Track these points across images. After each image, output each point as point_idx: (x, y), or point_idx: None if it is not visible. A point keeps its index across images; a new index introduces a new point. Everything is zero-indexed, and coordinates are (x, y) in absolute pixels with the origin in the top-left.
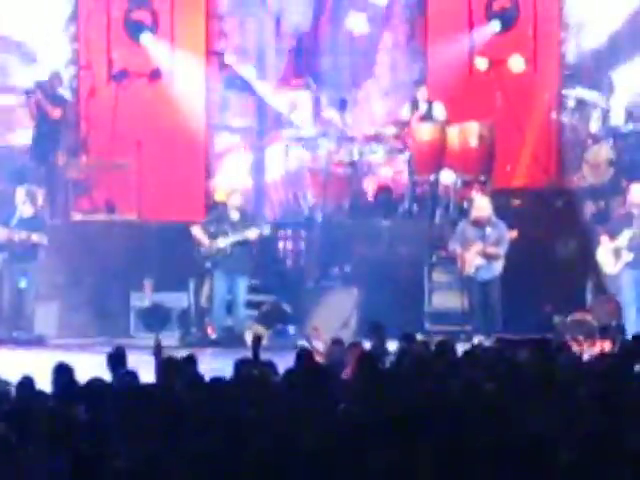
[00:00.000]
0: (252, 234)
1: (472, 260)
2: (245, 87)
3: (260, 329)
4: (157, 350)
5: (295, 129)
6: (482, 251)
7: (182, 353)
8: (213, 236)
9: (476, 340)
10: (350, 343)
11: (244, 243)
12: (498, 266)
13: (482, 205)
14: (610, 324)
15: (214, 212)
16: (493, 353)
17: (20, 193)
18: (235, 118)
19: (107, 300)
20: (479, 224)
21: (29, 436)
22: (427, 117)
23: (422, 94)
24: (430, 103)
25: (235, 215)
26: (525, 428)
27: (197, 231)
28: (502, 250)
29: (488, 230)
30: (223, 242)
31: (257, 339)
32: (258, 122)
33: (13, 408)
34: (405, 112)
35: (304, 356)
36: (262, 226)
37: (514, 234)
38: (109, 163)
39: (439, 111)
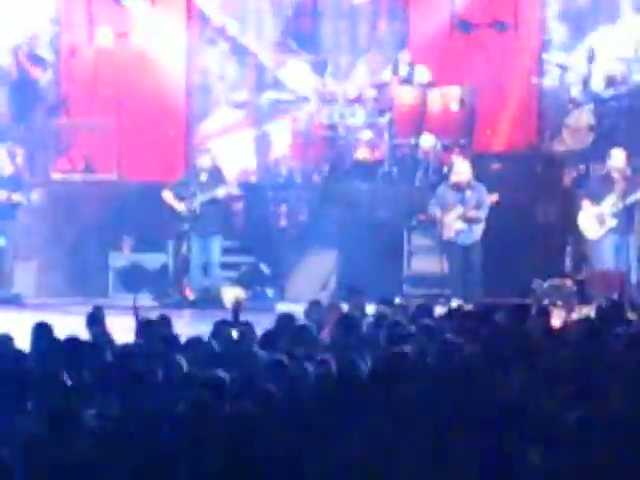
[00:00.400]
0: (220, 192)
1: (452, 224)
2: (231, 47)
3: (239, 292)
4: (135, 311)
5: (277, 91)
6: (462, 215)
7: (159, 314)
8: (182, 198)
9: (454, 304)
10: (328, 305)
11: (214, 203)
12: (478, 230)
13: (462, 169)
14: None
15: (184, 175)
16: (472, 316)
17: (0, 151)
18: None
19: (86, 260)
20: (459, 188)
21: (6, 395)
22: (408, 80)
23: (404, 57)
24: (412, 66)
25: (204, 176)
26: (503, 392)
27: (167, 195)
28: (482, 214)
29: (468, 194)
30: (192, 203)
31: (237, 302)
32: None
33: None
34: (386, 75)
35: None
36: (230, 185)
37: (494, 198)
38: (89, 123)
39: (421, 74)
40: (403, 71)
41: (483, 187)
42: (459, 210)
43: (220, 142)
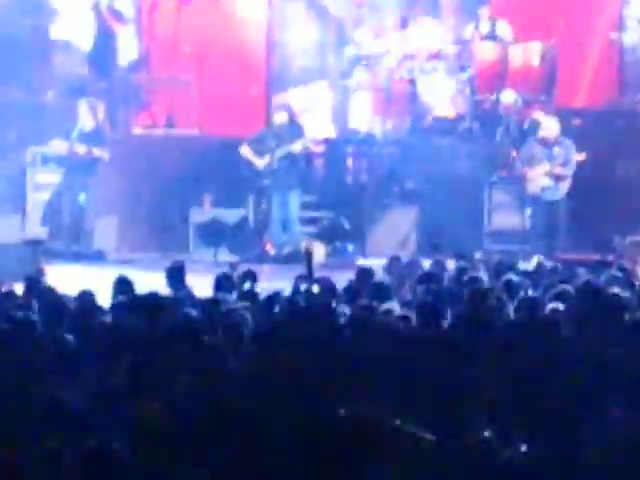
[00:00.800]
0: (297, 146)
1: (538, 179)
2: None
3: (310, 243)
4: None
5: (357, 46)
6: (549, 171)
7: (241, 269)
8: (261, 153)
9: (535, 259)
10: (409, 260)
11: (291, 157)
12: (564, 187)
13: (550, 125)
14: None
15: (261, 130)
16: (553, 273)
17: (81, 106)
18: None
19: (166, 215)
20: (547, 143)
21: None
22: (490, 36)
23: (485, 13)
24: (493, 22)
25: (282, 131)
26: (583, 349)
27: (245, 149)
28: (569, 171)
29: (556, 150)
30: (270, 158)
31: (308, 254)
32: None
33: (74, 321)
34: (468, 31)
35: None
36: (307, 139)
37: (582, 156)
38: (170, 78)
39: (503, 30)
40: (484, 27)
41: (571, 143)
42: (546, 166)
43: (300, 97)
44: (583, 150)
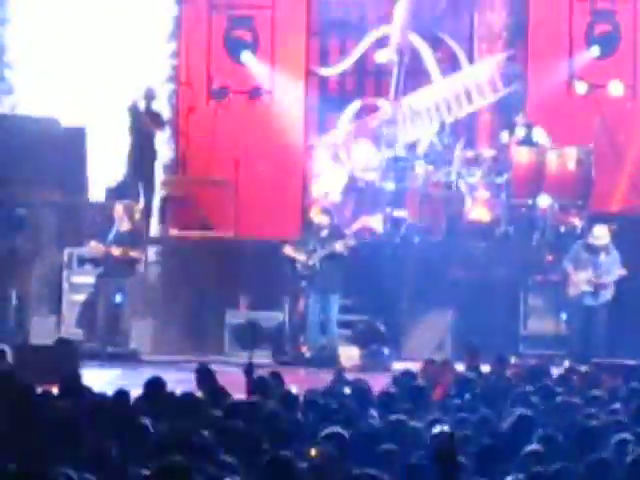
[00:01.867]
0: (339, 246)
1: (580, 284)
2: (341, 106)
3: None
4: (248, 368)
5: (393, 149)
6: (592, 278)
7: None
8: (303, 254)
9: (567, 364)
10: (442, 363)
11: (332, 259)
12: (605, 295)
13: (601, 233)
14: None
15: (304, 231)
16: (589, 378)
17: (118, 208)
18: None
19: (202, 317)
20: (594, 250)
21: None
22: (526, 141)
23: (521, 119)
24: (530, 127)
25: (324, 233)
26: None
27: (288, 250)
28: (612, 279)
29: (602, 257)
30: (312, 259)
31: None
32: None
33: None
34: (504, 135)
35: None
36: (347, 238)
37: (624, 272)
38: (207, 180)
39: (539, 135)
40: (520, 132)
41: (617, 254)
42: (590, 272)
43: (338, 198)
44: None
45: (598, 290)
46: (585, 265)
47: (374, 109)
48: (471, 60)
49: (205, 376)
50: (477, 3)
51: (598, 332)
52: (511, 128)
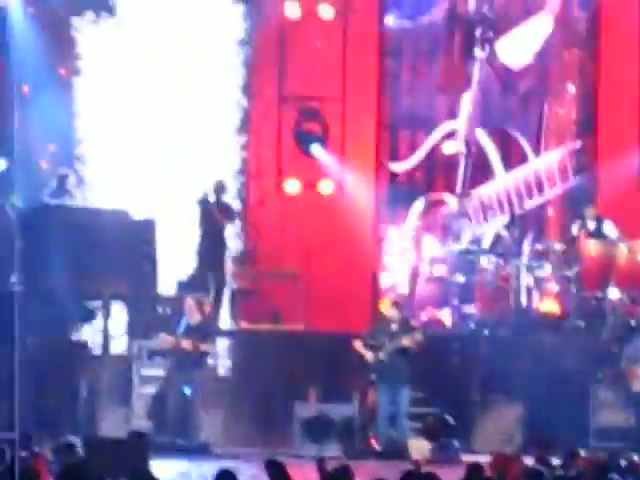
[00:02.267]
0: (406, 341)
1: None
2: (410, 199)
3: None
4: (321, 462)
5: (461, 242)
6: None
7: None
8: (373, 348)
9: (636, 457)
10: (510, 457)
11: (402, 352)
12: None
13: None
14: None
15: (374, 325)
16: None
17: (189, 301)
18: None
19: (272, 410)
20: None
21: None
22: (596, 234)
23: (591, 212)
24: (599, 220)
25: (394, 326)
26: None
27: (358, 345)
28: None
29: None
30: (382, 354)
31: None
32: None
33: None
34: (575, 228)
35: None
36: (415, 332)
37: None
38: (277, 272)
39: (609, 229)
40: (590, 225)
41: None
42: None
43: (407, 290)
44: None
45: None
46: None
47: (441, 203)
48: (538, 155)
49: (276, 470)
50: (547, 99)
51: None
52: (581, 221)
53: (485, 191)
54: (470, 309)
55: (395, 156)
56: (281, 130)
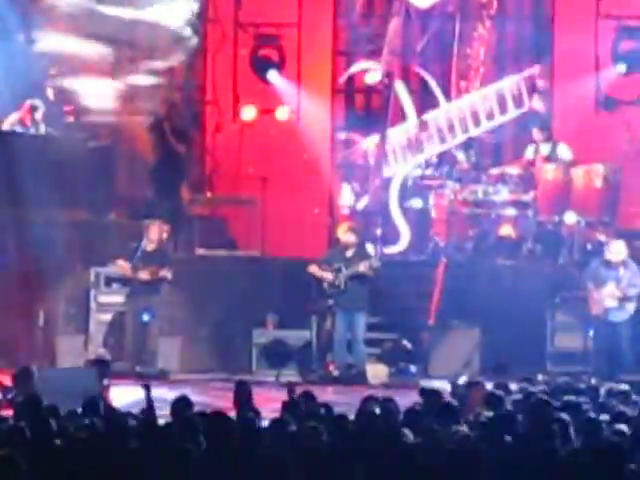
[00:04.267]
0: (362, 267)
1: (603, 301)
2: (368, 126)
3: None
4: (290, 388)
5: (420, 168)
6: (615, 293)
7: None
8: (329, 274)
9: (594, 381)
10: (471, 383)
11: (358, 278)
12: (630, 308)
13: (618, 248)
14: None
15: (330, 251)
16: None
17: (145, 227)
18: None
19: (229, 336)
20: (613, 266)
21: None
22: (552, 158)
23: (540, 133)
24: (555, 144)
25: (350, 252)
26: None
27: (314, 269)
28: (635, 292)
29: (621, 272)
30: (338, 279)
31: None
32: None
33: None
34: (530, 152)
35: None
36: (372, 258)
37: None
38: (234, 199)
39: (564, 152)
40: (545, 149)
41: (636, 266)
42: (612, 287)
43: (363, 216)
44: None
45: (623, 304)
46: (605, 281)
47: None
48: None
49: (243, 390)
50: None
51: (623, 348)
52: (536, 145)
53: (440, 114)
54: (427, 234)
55: (351, 82)
56: (237, 56)
